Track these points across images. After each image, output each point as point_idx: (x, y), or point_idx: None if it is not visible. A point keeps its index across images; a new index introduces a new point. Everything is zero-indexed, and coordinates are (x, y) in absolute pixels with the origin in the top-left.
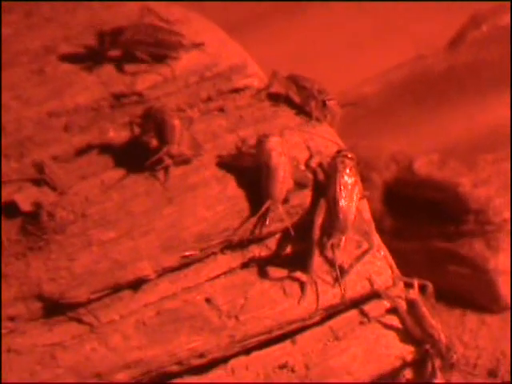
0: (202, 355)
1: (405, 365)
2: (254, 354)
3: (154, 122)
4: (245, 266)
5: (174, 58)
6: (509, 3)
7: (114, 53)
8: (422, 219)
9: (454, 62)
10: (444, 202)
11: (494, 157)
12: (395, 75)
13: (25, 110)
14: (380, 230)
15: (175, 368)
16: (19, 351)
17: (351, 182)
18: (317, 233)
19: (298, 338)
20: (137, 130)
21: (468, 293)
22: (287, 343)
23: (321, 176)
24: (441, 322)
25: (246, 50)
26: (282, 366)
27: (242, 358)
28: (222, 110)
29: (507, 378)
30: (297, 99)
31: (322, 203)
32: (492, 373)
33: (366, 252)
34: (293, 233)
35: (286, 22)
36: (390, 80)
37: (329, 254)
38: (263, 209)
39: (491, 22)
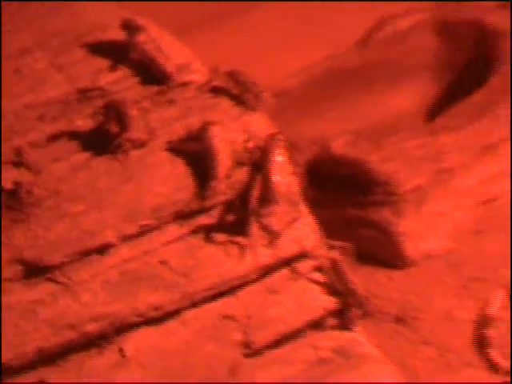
0: (158, 308)
1: (329, 313)
2: (203, 306)
3: (115, 112)
4: (193, 232)
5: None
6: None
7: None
8: (339, 191)
9: (362, 59)
10: (357, 176)
11: (396, 138)
12: (314, 70)
13: (6, 104)
14: (306, 202)
15: (136, 320)
16: (8, 308)
17: (282, 160)
18: (254, 203)
19: (240, 292)
20: (100, 119)
21: (378, 253)
22: (230, 297)
23: (256, 155)
24: (357, 278)
25: (193, 49)
26: (226, 317)
27: (192, 311)
28: (171, 101)
29: (413, 324)
30: (235, 91)
31: (258, 178)
32: (399, 319)
33: (295, 219)
34: (236, 204)
35: (225, 24)
36: (310, 75)
37: (264, 221)
38: (209, 185)
39: (393, 25)
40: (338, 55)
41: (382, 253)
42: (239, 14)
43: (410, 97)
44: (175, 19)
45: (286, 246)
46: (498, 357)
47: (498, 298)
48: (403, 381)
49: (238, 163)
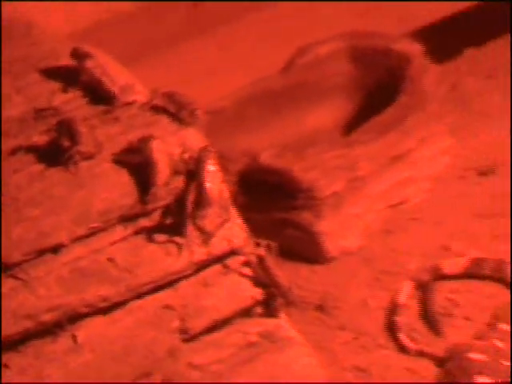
0: (105, 300)
1: (256, 303)
2: (145, 298)
3: (67, 129)
4: (137, 233)
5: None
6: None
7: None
8: (267, 197)
9: (287, 82)
10: (282, 184)
11: (316, 150)
12: (244, 92)
13: None
14: (236, 206)
15: (86, 310)
16: None
17: (213, 169)
18: (189, 207)
19: (178, 285)
20: (54, 134)
21: (301, 250)
22: (169, 290)
23: (191, 165)
24: (282, 272)
25: (138, 74)
26: (166, 307)
27: (136, 302)
28: (116, 118)
29: (332, 312)
30: (172, 109)
31: (193, 185)
32: (319, 307)
33: (225, 221)
34: (174, 208)
35: (165, 54)
36: (240, 96)
37: (199, 222)
38: (150, 192)
39: (313, 52)
40: (265, 79)
41: (305, 250)
42: (173, 46)
43: (328, 114)
44: (122, 48)
45: (218, 245)
46: (406, 339)
47: (406, 289)
48: (321, 361)
49: (176, 172)
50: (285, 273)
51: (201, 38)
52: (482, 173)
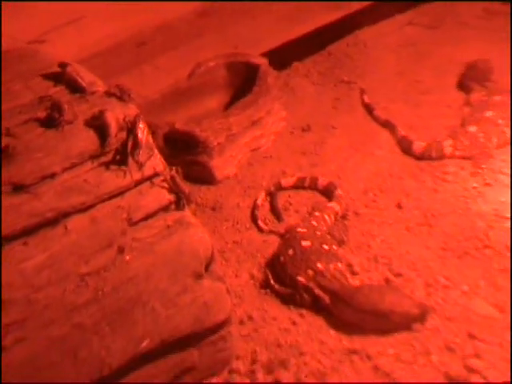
0: (83, 204)
1: (171, 203)
2: (106, 202)
3: (57, 107)
4: (99, 165)
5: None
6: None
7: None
8: (182, 148)
9: (191, 83)
10: (190, 140)
11: (209, 120)
12: (166, 89)
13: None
14: (163, 153)
15: (72, 210)
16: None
17: (143, 126)
18: (130, 148)
19: (125, 194)
20: (49, 111)
21: (202, 178)
22: (120, 197)
23: (130, 125)
24: (185, 186)
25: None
26: (119, 207)
27: (101, 204)
28: (86, 100)
29: (220, 211)
30: (118, 94)
31: (131, 136)
32: (213, 208)
33: (151, 156)
34: (120, 150)
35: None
36: (165, 91)
37: (135, 157)
38: (106, 141)
39: (205, 65)
40: (178, 81)
41: (204, 178)
42: (128, 70)
43: (215, 101)
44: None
45: (148, 170)
46: (262, 224)
47: (261, 196)
48: (212, 238)
49: (121, 129)
50: (191, 189)
51: (144, 64)
52: (303, 130)
